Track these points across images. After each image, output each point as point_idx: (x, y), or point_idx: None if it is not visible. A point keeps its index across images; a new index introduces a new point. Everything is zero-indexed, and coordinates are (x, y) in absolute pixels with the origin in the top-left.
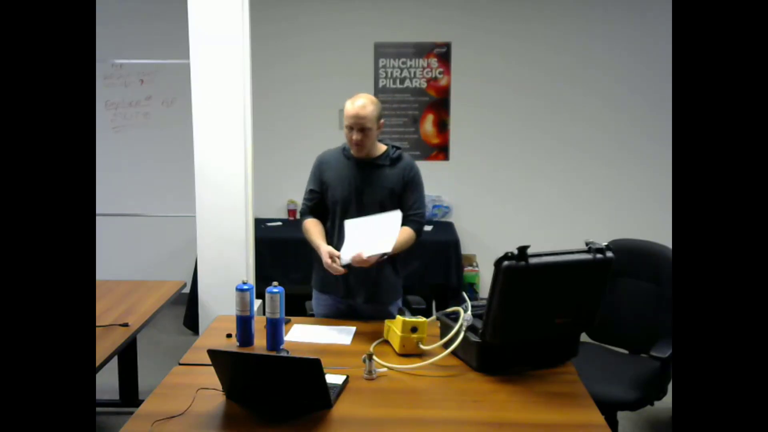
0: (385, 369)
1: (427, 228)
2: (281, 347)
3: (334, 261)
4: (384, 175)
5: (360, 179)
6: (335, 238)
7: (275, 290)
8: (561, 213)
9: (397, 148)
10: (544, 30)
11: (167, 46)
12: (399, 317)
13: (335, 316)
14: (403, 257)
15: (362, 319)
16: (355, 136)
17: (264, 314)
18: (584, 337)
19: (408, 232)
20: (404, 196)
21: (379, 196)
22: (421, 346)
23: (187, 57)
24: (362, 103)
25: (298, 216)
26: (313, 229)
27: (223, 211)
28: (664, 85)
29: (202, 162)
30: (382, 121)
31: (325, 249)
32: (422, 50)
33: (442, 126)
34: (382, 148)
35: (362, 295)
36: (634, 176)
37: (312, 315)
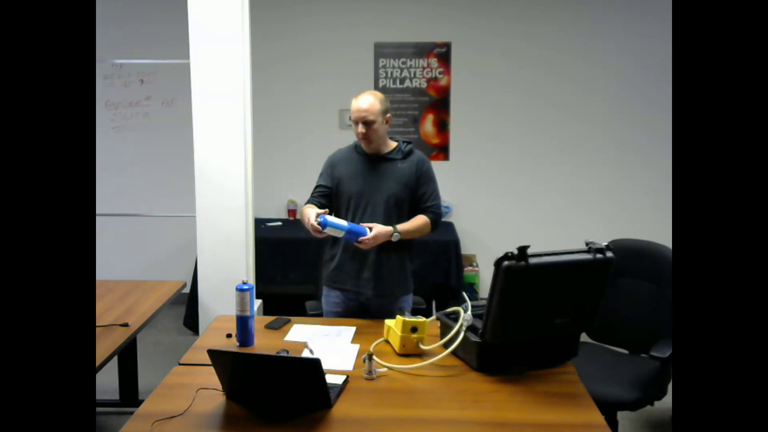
0: (385, 369)
1: None
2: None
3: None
4: (396, 168)
5: (372, 174)
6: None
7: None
8: (561, 213)
9: (408, 143)
10: (544, 30)
11: (167, 46)
12: (399, 317)
13: (345, 312)
14: (416, 249)
15: (372, 315)
16: (360, 128)
17: (264, 314)
18: (584, 337)
19: (423, 219)
20: (418, 189)
21: (392, 190)
22: (421, 346)
23: (187, 57)
24: (365, 97)
25: (297, 216)
26: (308, 207)
27: (223, 211)
28: (664, 85)
29: (202, 162)
30: (388, 115)
31: (311, 210)
32: (422, 50)
33: (442, 126)
34: (393, 144)
35: (371, 285)
36: (634, 176)
37: (312, 315)
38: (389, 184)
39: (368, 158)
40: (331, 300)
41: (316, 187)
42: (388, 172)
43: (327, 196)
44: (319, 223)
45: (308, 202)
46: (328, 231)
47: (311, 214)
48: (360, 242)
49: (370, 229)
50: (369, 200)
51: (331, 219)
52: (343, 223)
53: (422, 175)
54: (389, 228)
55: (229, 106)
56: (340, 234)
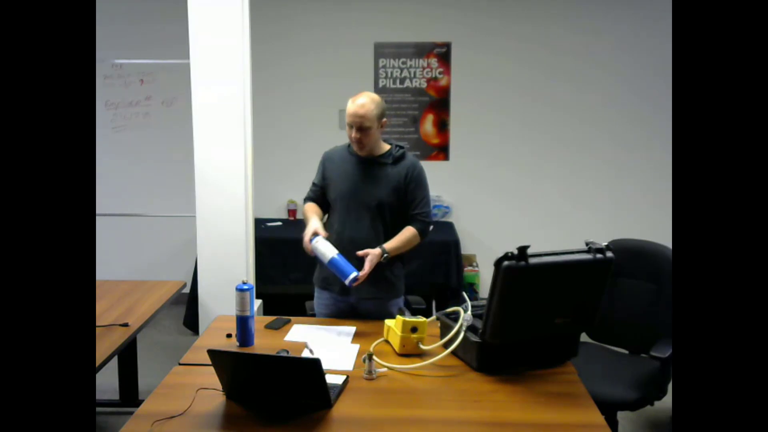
0: (385, 369)
1: None
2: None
3: (311, 239)
4: (386, 172)
5: (361, 176)
6: (334, 233)
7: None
8: (561, 213)
9: (401, 147)
10: (544, 30)
11: (167, 46)
12: (399, 317)
13: (336, 314)
14: (405, 257)
15: (362, 317)
16: (355, 134)
17: (264, 314)
18: (584, 337)
19: (411, 231)
20: (408, 194)
21: (379, 194)
22: (421, 346)
23: (187, 57)
24: (362, 102)
25: (298, 216)
26: (311, 208)
27: (223, 211)
28: (664, 85)
29: (202, 162)
30: (384, 119)
31: (311, 225)
32: (422, 50)
33: (442, 126)
34: (386, 146)
35: (359, 291)
36: (634, 176)
37: (312, 315)
38: (377, 188)
39: (359, 160)
40: (322, 302)
41: (312, 184)
42: (377, 175)
43: (320, 194)
44: (310, 241)
45: (307, 198)
46: (317, 249)
47: (309, 229)
48: (357, 279)
49: (359, 267)
50: (355, 202)
51: (322, 244)
52: (332, 253)
53: (412, 180)
54: (378, 250)
55: (229, 106)
56: (325, 259)
